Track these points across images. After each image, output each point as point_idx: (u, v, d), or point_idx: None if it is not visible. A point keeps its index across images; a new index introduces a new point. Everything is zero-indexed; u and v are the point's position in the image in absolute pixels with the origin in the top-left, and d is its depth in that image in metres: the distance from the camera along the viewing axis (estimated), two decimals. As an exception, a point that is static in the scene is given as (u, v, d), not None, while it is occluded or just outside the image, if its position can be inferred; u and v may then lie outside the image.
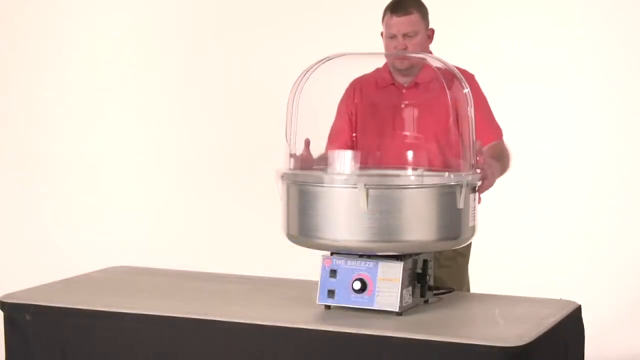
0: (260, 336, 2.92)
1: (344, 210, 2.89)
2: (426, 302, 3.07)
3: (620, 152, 5.72)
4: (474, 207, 3.01)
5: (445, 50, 5.96)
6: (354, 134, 3.60)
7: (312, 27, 6.06)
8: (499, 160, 3.43)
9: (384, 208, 2.86)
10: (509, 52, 5.81)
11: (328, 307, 3.01)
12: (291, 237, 3.05)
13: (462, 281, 3.59)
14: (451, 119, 3.43)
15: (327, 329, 2.85)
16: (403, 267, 2.93)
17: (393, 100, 3.57)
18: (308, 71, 3.28)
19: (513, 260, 5.70)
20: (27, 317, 3.16)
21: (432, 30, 3.61)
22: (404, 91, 3.59)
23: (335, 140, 3.61)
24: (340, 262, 2.99)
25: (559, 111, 5.80)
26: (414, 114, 3.56)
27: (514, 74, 5.79)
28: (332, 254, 3.01)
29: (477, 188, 3.07)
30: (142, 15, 6.40)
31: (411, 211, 2.88)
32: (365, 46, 6.03)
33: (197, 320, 2.99)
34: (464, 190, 2.93)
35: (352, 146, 3.61)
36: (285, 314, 3.01)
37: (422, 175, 3.28)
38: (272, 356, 2.91)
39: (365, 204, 2.85)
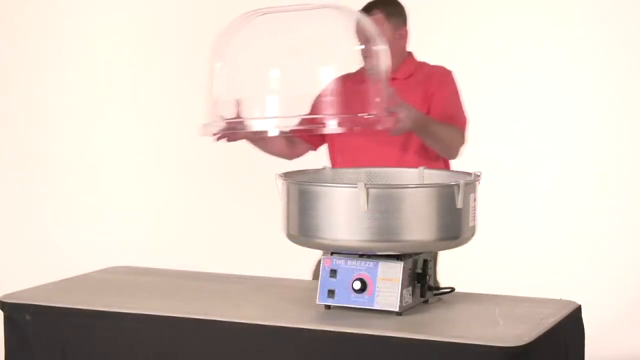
0: (260, 336, 2.92)
1: (344, 210, 2.89)
2: (426, 302, 3.08)
3: (620, 152, 5.72)
4: (474, 207, 3.02)
5: (446, 49, 5.98)
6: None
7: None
8: (441, 126, 3.55)
9: (384, 208, 2.86)
10: (509, 52, 5.81)
11: (328, 307, 3.01)
12: (291, 237, 3.06)
13: None
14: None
15: (327, 329, 2.85)
16: (403, 267, 2.93)
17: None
18: (232, 29, 3.34)
19: (513, 260, 5.70)
20: (27, 317, 3.16)
21: (406, 31, 3.64)
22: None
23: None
24: (340, 262, 2.99)
25: (559, 111, 5.81)
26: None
27: (514, 74, 5.79)
28: (332, 253, 3.01)
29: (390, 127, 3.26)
30: (142, 15, 6.40)
31: (411, 211, 2.88)
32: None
33: (197, 320, 2.99)
34: (462, 190, 2.93)
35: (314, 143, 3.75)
36: (285, 314, 3.01)
37: (422, 175, 3.29)
38: (272, 356, 2.91)
39: (365, 203, 2.85)
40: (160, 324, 3.03)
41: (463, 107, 3.77)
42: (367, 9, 3.66)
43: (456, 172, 3.21)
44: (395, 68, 3.65)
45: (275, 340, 2.90)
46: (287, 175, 3.10)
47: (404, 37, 3.66)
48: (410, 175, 3.30)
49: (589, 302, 3.40)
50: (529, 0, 5.83)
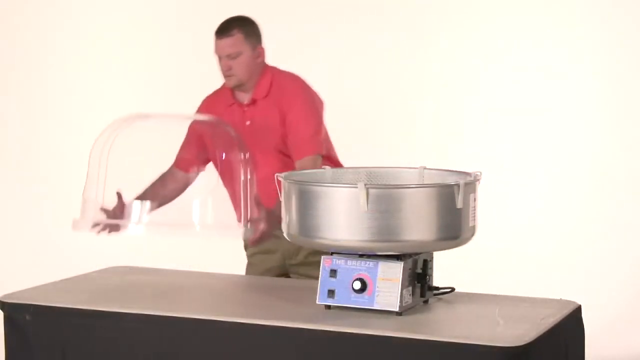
0: (260, 336, 2.92)
1: (344, 210, 2.89)
2: (426, 302, 3.08)
3: (620, 152, 5.72)
4: (474, 207, 3.02)
5: (446, 49, 5.98)
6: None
7: (311, 27, 6.06)
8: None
9: (384, 208, 2.86)
10: (509, 52, 5.81)
11: (328, 307, 3.01)
12: (291, 237, 3.06)
13: None
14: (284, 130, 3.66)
15: (327, 329, 2.85)
16: (403, 267, 2.93)
17: (237, 118, 3.71)
18: (113, 130, 3.56)
19: (513, 260, 5.70)
20: (27, 317, 3.16)
21: (263, 49, 3.71)
22: (245, 109, 3.71)
23: (181, 160, 3.82)
24: (340, 262, 2.99)
25: (559, 111, 5.81)
26: (256, 131, 3.67)
27: (514, 74, 5.79)
28: (332, 253, 3.01)
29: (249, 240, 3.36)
30: (142, 15, 6.41)
31: (411, 211, 2.88)
32: (365, 48, 6.02)
33: (197, 320, 2.99)
34: (462, 190, 2.93)
35: (198, 166, 3.80)
36: (285, 314, 3.01)
37: (422, 175, 3.29)
38: (272, 356, 2.91)
39: (365, 203, 2.85)
40: (160, 324, 3.03)
41: (313, 117, 3.71)
42: (225, 29, 3.68)
43: (456, 172, 3.21)
44: (253, 86, 3.70)
45: (275, 340, 2.90)
46: (287, 176, 3.10)
47: (261, 54, 3.73)
48: (410, 175, 3.30)
49: (589, 302, 3.40)
50: (529, 0, 5.83)
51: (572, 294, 3.31)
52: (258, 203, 3.35)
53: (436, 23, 5.88)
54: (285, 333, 2.89)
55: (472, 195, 3.00)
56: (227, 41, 3.65)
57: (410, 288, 2.97)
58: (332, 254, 3.01)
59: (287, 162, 3.66)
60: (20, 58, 6.55)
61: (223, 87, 3.78)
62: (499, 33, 5.82)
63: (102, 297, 3.25)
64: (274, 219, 3.37)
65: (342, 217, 2.90)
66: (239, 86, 3.70)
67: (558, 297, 3.19)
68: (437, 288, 3.13)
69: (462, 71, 5.88)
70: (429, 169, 3.30)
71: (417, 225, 2.89)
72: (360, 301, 2.95)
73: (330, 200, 2.92)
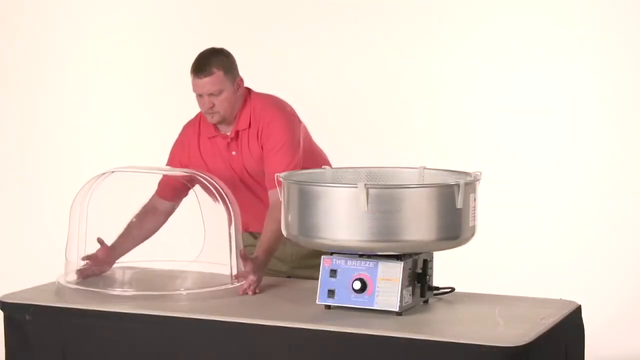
0: (260, 336, 2.92)
1: (344, 210, 2.89)
2: (426, 302, 3.08)
3: (620, 152, 5.72)
4: (474, 207, 3.02)
5: (446, 49, 5.98)
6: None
7: (311, 27, 6.06)
8: (277, 233, 3.44)
9: (384, 208, 2.86)
10: (509, 52, 5.81)
11: (328, 307, 3.01)
12: (291, 237, 3.06)
13: None
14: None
15: (327, 329, 2.85)
16: (403, 267, 2.93)
17: (222, 150, 3.69)
18: (92, 184, 3.59)
19: (513, 260, 5.70)
20: (27, 317, 3.16)
21: (241, 80, 3.66)
22: (229, 141, 3.68)
23: (164, 189, 3.84)
24: (340, 262, 2.99)
25: (559, 111, 5.81)
26: (244, 159, 3.66)
27: (514, 74, 5.79)
28: (332, 253, 3.01)
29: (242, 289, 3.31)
30: (143, 15, 6.40)
31: (411, 211, 2.88)
32: (365, 48, 6.01)
33: (197, 320, 2.99)
34: (462, 190, 2.93)
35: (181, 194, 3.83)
36: (285, 314, 3.01)
37: (422, 175, 3.29)
38: (272, 356, 2.91)
39: (365, 203, 2.85)
40: (160, 324, 3.03)
41: (288, 145, 3.63)
42: (203, 68, 3.58)
43: (456, 172, 3.21)
44: (234, 118, 3.66)
45: (275, 340, 2.90)
46: (287, 176, 3.10)
47: (240, 86, 3.67)
48: (410, 175, 3.30)
49: (589, 302, 3.40)
50: (529, 0, 5.82)
51: (572, 294, 3.31)
52: (244, 257, 3.35)
53: (436, 23, 5.87)
54: (285, 333, 2.89)
55: (472, 195, 3.00)
56: (207, 80, 3.55)
57: (410, 288, 2.98)
58: (332, 254, 3.01)
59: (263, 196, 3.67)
60: (20, 58, 6.55)
61: (202, 118, 3.72)
62: (499, 33, 5.82)
63: (102, 297, 3.25)
64: (260, 265, 3.38)
65: (342, 217, 2.90)
66: (222, 121, 3.65)
67: (558, 297, 3.19)
68: (437, 288, 3.13)
69: (462, 71, 5.87)
70: (429, 169, 3.30)
71: (417, 225, 2.89)
72: (360, 301, 2.95)
73: (330, 200, 2.92)
